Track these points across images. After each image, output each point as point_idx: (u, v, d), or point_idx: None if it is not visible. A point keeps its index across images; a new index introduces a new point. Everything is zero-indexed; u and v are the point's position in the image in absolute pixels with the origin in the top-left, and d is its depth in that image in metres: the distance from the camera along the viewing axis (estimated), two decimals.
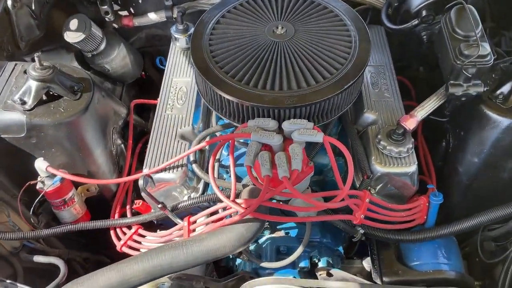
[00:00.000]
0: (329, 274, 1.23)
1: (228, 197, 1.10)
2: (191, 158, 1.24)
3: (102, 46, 1.57)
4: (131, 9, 1.71)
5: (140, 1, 1.69)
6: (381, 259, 1.28)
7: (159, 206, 1.16)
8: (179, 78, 1.45)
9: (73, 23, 1.52)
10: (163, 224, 1.36)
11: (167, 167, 1.21)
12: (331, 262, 1.26)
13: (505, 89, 1.19)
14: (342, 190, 1.05)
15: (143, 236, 1.28)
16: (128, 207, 1.37)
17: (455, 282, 1.20)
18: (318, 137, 1.04)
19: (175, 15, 1.66)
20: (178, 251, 1.00)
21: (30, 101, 1.21)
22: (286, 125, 1.07)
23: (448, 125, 1.38)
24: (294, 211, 1.14)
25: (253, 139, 1.06)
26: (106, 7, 1.62)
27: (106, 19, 1.66)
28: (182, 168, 1.22)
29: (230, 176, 1.14)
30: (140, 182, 1.13)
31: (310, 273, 1.26)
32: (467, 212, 1.22)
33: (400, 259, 1.27)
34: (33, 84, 1.21)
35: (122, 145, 1.47)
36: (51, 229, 1.23)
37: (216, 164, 1.26)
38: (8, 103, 1.22)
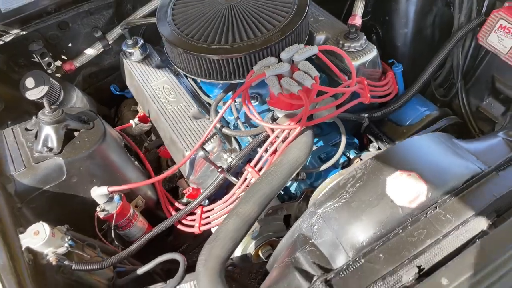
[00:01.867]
0: (360, 159, 1.50)
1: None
2: (218, 126, 1.38)
3: (61, 95, 1.60)
4: (67, 54, 1.75)
5: (70, 44, 1.74)
6: (386, 132, 1.59)
7: (219, 170, 1.29)
8: (155, 82, 1.57)
9: (29, 81, 1.54)
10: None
11: (204, 141, 1.35)
12: (356, 152, 1.53)
13: None
14: (352, 79, 1.32)
15: (210, 211, 1.38)
16: (176, 202, 1.46)
17: (440, 116, 1.56)
18: (314, 49, 1.30)
19: (110, 42, 1.76)
20: (270, 177, 1.15)
21: (56, 145, 1.24)
22: (284, 55, 1.30)
23: (372, 22, 1.74)
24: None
25: (268, 74, 1.26)
26: (47, 58, 1.64)
27: (49, 71, 1.68)
28: (215, 137, 1.37)
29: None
30: (201, 153, 1.25)
31: (346, 166, 1.51)
32: (417, 75, 1.60)
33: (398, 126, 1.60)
34: (50, 129, 1.24)
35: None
36: (135, 245, 1.27)
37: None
38: (37, 156, 1.23)
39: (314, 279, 0.89)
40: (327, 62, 1.35)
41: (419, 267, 0.88)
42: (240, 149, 1.40)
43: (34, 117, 1.34)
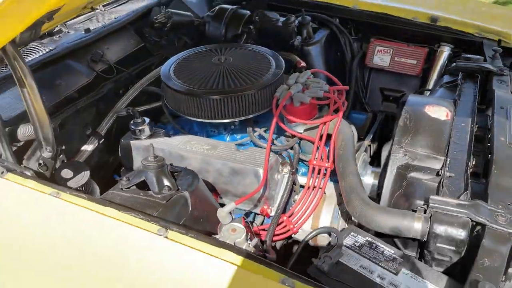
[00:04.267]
0: None
1: None
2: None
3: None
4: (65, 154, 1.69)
5: (64, 147, 1.70)
6: None
7: (292, 171, 1.56)
8: (180, 143, 1.71)
9: (66, 173, 1.47)
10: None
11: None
12: None
13: None
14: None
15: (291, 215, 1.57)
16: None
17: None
18: (308, 72, 1.78)
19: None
20: (344, 147, 1.51)
21: (170, 184, 1.29)
22: (291, 81, 1.73)
23: None
24: None
25: (294, 92, 1.65)
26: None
27: None
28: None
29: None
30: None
31: None
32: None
33: None
34: (155, 175, 1.30)
35: None
36: None
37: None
38: (163, 196, 1.25)
39: None
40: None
41: None
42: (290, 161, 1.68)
43: (124, 178, 1.34)
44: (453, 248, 1.15)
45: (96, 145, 1.79)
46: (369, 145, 1.88)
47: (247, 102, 1.67)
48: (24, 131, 1.39)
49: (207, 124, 1.83)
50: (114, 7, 2.19)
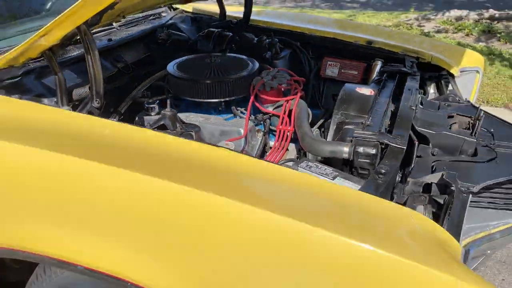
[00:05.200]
0: None
1: None
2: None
3: None
4: None
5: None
6: None
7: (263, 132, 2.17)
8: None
9: None
10: None
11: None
12: None
13: None
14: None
15: None
16: None
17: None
18: (287, 77, 2.45)
19: None
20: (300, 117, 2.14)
21: None
22: (264, 74, 2.39)
23: None
24: None
25: (266, 80, 2.31)
26: None
27: None
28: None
29: None
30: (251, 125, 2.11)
31: None
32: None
33: None
34: (171, 120, 1.89)
35: None
36: None
37: None
38: None
39: None
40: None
41: None
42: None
43: (148, 125, 1.92)
44: (368, 161, 1.78)
45: (116, 120, 2.36)
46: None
47: (231, 87, 2.31)
48: (78, 92, 1.96)
49: (201, 106, 2.44)
50: (127, 28, 2.84)
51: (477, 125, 2.03)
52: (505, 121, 2.34)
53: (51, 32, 1.66)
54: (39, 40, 1.71)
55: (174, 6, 3.38)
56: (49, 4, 2.85)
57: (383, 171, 1.60)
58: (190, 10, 3.45)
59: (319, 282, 1.20)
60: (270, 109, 2.34)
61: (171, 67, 2.44)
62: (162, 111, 1.96)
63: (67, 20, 1.61)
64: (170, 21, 3.14)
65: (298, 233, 1.21)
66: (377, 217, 1.34)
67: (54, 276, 1.54)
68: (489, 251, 1.94)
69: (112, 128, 1.67)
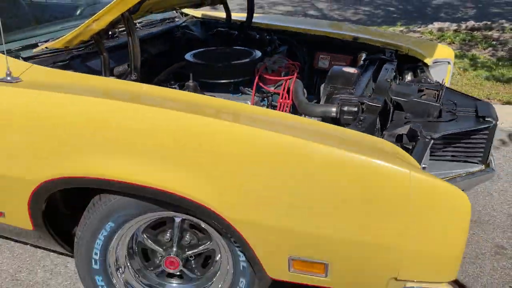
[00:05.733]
0: None
1: None
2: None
3: None
4: None
5: None
6: None
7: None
8: None
9: None
10: None
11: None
12: None
13: None
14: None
15: None
16: None
17: None
18: (286, 62, 2.94)
19: None
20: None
21: None
22: (266, 60, 2.88)
23: None
24: None
25: (268, 64, 2.80)
26: None
27: None
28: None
29: None
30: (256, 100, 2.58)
31: None
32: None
33: None
34: (193, 89, 2.36)
35: None
36: None
37: None
38: None
39: None
40: None
41: None
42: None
43: None
44: (352, 117, 2.25)
45: None
46: None
47: (240, 70, 2.79)
48: (118, 69, 2.44)
49: (214, 87, 2.90)
50: (148, 28, 3.34)
51: (440, 93, 2.52)
52: (466, 94, 2.84)
53: (102, 17, 2.15)
54: (92, 25, 2.19)
55: (185, 12, 3.89)
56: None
57: (362, 118, 2.07)
58: (200, 15, 3.96)
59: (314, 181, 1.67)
60: (272, 88, 2.81)
61: (189, 56, 2.92)
62: (186, 83, 2.43)
63: (116, 7, 2.10)
64: (183, 24, 3.65)
65: (305, 148, 1.69)
66: (357, 141, 1.82)
67: (108, 202, 1.98)
68: None
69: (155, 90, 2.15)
